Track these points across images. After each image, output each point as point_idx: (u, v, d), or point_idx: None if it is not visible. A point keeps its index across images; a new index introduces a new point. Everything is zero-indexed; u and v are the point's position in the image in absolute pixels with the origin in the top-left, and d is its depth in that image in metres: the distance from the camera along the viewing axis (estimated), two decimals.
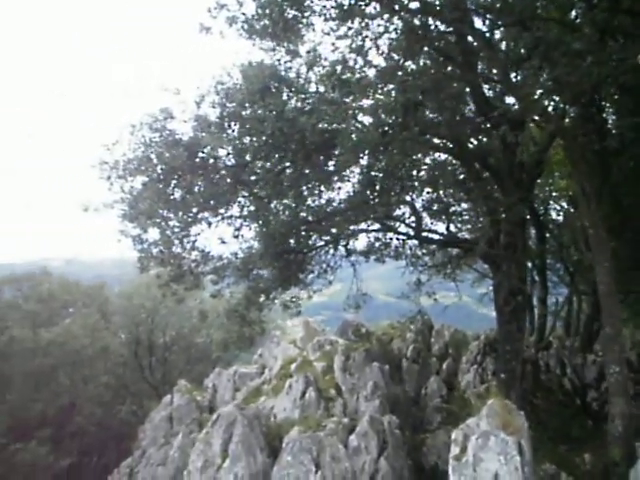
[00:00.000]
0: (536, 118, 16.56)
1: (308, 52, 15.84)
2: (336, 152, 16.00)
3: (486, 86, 16.53)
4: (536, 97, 13.52)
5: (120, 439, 33.75)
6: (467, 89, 15.78)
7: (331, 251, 19.61)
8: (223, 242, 17.11)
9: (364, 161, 17.14)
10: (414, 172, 19.11)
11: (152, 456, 24.03)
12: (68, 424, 35.63)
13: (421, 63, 15.34)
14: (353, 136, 14.46)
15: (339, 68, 14.62)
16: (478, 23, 14.37)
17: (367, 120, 15.78)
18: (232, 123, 16.20)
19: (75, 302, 40.42)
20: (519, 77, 15.01)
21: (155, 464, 23.42)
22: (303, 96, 16.23)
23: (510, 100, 16.32)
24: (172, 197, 16.00)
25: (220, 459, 15.14)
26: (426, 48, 14.65)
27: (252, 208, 17.30)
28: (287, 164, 16.84)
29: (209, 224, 16.76)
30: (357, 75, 14.59)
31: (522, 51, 13.63)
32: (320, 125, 15.33)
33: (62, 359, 36.32)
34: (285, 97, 16.04)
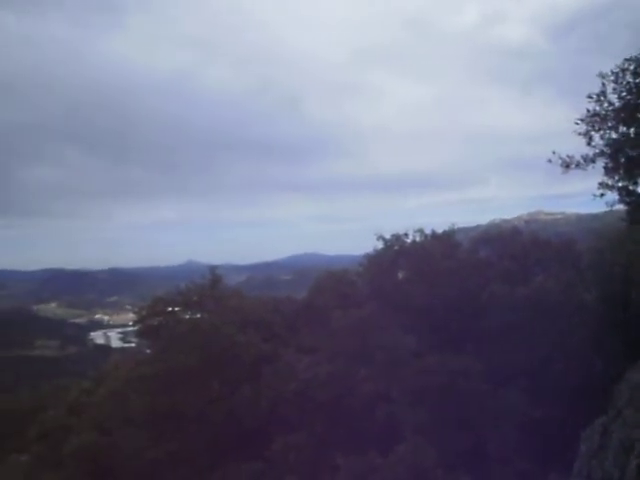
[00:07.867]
0: None
1: None
2: None
3: None
4: None
5: (591, 395, 33.60)
6: None
7: None
8: None
9: None
10: None
11: (628, 418, 23.47)
12: (543, 377, 37.06)
13: None
14: None
15: None
16: None
17: None
18: None
19: (547, 259, 41.41)
20: None
21: (632, 426, 22.86)
22: None
23: None
24: None
25: None
26: None
27: None
28: None
29: None
30: None
31: None
32: None
33: (537, 314, 37.88)
34: None
